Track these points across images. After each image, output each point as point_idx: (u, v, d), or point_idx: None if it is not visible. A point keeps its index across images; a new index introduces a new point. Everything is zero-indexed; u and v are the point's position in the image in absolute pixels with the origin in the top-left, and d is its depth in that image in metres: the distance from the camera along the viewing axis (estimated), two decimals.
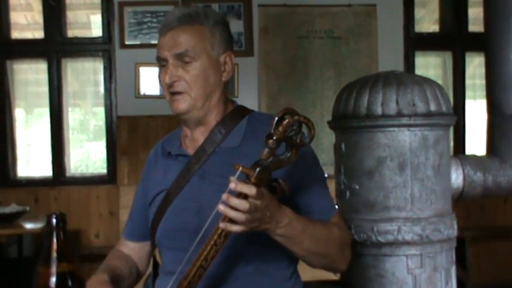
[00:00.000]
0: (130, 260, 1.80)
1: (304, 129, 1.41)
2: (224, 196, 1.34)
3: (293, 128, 1.40)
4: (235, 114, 1.71)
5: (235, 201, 1.34)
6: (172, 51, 1.61)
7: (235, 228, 1.37)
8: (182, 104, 1.64)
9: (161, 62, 1.65)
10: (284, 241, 1.50)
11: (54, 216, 1.21)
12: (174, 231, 1.65)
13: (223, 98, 1.70)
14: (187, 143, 1.72)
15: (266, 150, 1.38)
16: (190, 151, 1.70)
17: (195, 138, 1.71)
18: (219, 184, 1.44)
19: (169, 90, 1.64)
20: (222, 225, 1.36)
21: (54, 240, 1.20)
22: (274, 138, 1.38)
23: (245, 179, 1.38)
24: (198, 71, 1.62)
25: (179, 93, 1.63)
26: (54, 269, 1.18)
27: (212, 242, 1.38)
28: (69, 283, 1.20)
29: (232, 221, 1.36)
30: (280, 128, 1.38)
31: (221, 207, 1.34)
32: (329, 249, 1.61)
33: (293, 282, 1.68)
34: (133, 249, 1.83)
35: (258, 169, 1.38)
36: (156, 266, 1.80)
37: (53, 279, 1.18)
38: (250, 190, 1.34)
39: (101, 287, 1.52)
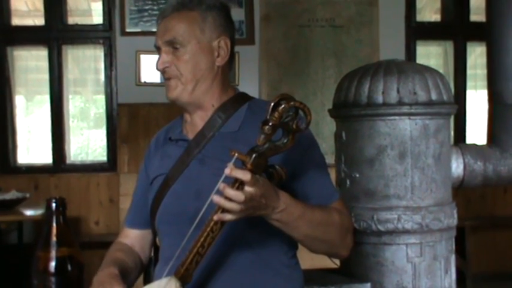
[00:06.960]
0: (133, 251, 1.79)
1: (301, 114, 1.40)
2: (221, 186, 1.34)
3: (289, 113, 1.38)
4: (236, 100, 1.72)
5: (231, 193, 1.34)
6: (163, 38, 1.66)
7: (229, 217, 1.37)
8: (173, 90, 1.67)
9: (158, 51, 1.69)
10: (280, 226, 1.51)
11: (53, 200, 1.20)
12: (173, 215, 1.65)
13: (219, 82, 1.70)
14: (188, 128, 1.73)
15: (262, 136, 1.37)
16: (190, 136, 1.71)
17: (194, 123, 1.72)
18: (218, 168, 1.43)
19: (164, 76, 1.68)
20: (215, 217, 1.37)
21: (54, 224, 1.20)
22: (270, 124, 1.36)
23: (241, 165, 1.37)
24: (187, 57, 1.65)
25: (172, 78, 1.67)
26: (53, 253, 1.18)
27: (209, 229, 1.38)
28: (69, 267, 1.20)
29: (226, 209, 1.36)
30: (276, 114, 1.36)
31: (216, 198, 1.34)
32: (328, 235, 1.60)
33: (291, 269, 1.67)
34: (135, 239, 1.81)
35: (254, 155, 1.37)
36: (157, 251, 1.80)
37: (53, 264, 1.18)
38: (245, 176, 1.34)
39: (111, 281, 1.50)
